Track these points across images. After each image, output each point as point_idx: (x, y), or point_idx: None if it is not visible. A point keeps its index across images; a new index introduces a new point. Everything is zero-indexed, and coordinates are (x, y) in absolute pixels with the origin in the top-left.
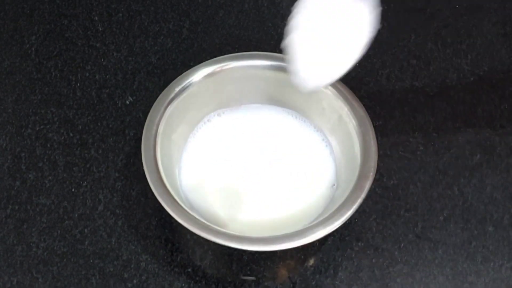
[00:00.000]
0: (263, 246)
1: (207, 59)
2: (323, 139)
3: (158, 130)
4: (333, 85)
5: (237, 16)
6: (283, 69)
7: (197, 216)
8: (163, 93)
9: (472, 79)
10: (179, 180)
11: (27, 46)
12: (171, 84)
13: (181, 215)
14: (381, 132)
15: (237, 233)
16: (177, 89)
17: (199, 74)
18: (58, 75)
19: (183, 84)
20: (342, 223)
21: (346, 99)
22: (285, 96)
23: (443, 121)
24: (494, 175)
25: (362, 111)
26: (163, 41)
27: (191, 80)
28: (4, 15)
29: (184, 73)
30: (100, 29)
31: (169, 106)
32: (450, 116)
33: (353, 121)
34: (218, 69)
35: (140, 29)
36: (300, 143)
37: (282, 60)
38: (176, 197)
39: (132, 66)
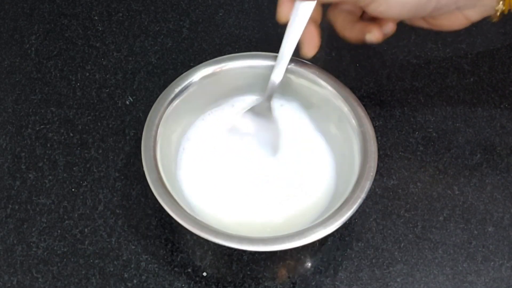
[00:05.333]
0: (263, 246)
1: (207, 59)
2: (323, 139)
3: (158, 130)
4: (333, 85)
5: (237, 16)
6: (292, 71)
7: (196, 217)
8: (163, 93)
9: (472, 79)
10: (178, 180)
11: (27, 45)
12: (171, 84)
13: (181, 215)
14: (381, 132)
15: (237, 233)
16: (177, 90)
17: (199, 75)
18: (58, 74)
19: (183, 85)
20: (342, 223)
21: (346, 99)
22: (284, 96)
23: (443, 121)
24: (494, 175)
25: (362, 111)
26: (163, 41)
27: (191, 81)
28: (4, 14)
29: (184, 73)
30: (100, 28)
31: (169, 106)
32: (450, 116)
33: (353, 121)
34: (218, 69)
35: (140, 29)
36: (300, 143)
37: (291, 61)
38: (176, 197)
39: (132, 66)
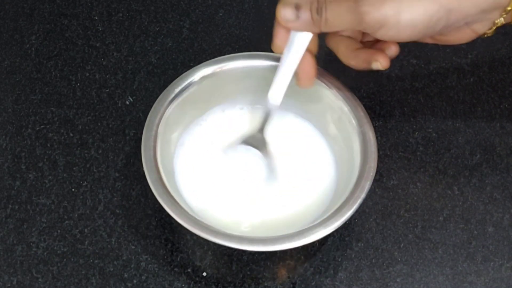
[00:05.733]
0: (263, 246)
1: (207, 59)
2: (323, 139)
3: (158, 130)
4: (333, 85)
5: (237, 16)
6: None
7: (196, 217)
8: (163, 93)
9: (472, 79)
10: (178, 180)
11: (27, 45)
12: (171, 84)
13: (181, 215)
14: (381, 132)
15: (237, 234)
16: (177, 90)
17: (199, 75)
18: (58, 74)
19: (183, 85)
20: (342, 223)
21: (346, 99)
22: (285, 96)
23: (443, 121)
24: (494, 175)
25: (362, 111)
26: (163, 41)
27: (191, 81)
28: (4, 14)
29: (184, 73)
30: (100, 28)
31: (169, 106)
32: (450, 116)
33: (353, 121)
34: (218, 70)
35: (140, 29)
36: (300, 143)
37: None
38: (176, 197)
39: (132, 66)
